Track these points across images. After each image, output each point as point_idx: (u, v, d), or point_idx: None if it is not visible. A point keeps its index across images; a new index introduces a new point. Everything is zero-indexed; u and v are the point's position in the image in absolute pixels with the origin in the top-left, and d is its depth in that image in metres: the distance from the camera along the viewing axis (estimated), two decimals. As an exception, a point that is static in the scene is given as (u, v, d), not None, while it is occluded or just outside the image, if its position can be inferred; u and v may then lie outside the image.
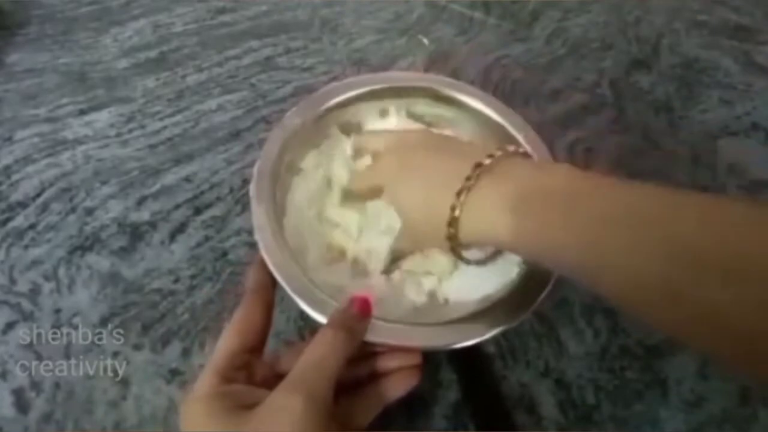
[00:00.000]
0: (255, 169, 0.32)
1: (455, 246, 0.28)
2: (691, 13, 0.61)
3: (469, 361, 0.35)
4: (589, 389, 0.35)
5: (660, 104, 0.53)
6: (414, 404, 0.30)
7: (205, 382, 0.25)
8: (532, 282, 0.29)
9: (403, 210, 0.31)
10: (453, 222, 0.27)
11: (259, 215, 0.30)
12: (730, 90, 0.54)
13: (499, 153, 0.28)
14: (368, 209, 0.33)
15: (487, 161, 0.27)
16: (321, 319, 0.27)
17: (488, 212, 0.26)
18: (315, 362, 0.24)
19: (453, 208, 0.27)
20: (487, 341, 0.29)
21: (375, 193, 0.32)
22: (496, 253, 0.32)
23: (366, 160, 0.34)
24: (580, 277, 0.24)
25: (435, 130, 0.38)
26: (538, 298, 0.29)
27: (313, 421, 0.22)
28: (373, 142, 0.35)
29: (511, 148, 0.28)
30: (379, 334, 0.27)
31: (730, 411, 0.34)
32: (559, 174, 0.26)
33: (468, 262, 0.31)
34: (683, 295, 0.20)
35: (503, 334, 0.28)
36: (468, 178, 0.27)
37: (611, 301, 0.23)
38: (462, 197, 0.27)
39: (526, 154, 0.29)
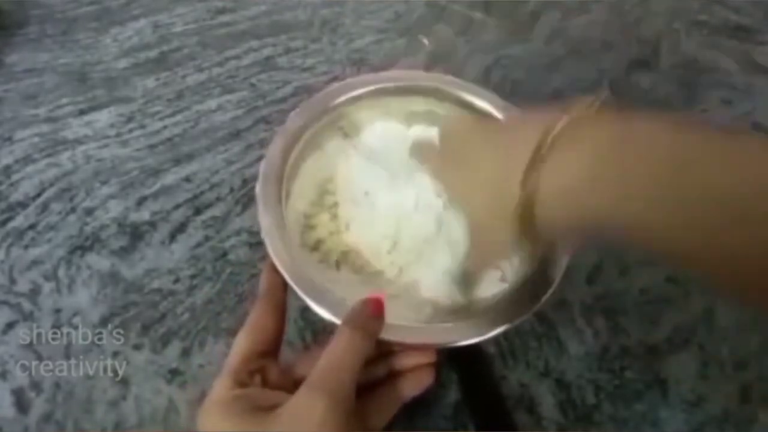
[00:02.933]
0: (260, 173, 0.32)
1: (527, 231, 0.25)
2: (691, 13, 0.61)
3: (469, 361, 0.35)
4: (589, 389, 0.35)
5: (660, 104, 0.52)
6: (414, 404, 0.30)
7: (220, 386, 0.25)
8: (534, 282, 0.29)
9: (465, 211, 0.28)
10: (527, 199, 0.23)
11: (266, 219, 0.30)
12: (730, 90, 0.54)
13: (572, 115, 0.23)
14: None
15: (557, 129, 0.23)
16: (333, 319, 0.27)
17: (572, 173, 0.22)
18: (335, 362, 0.24)
19: (526, 177, 0.23)
20: (487, 341, 0.29)
21: None
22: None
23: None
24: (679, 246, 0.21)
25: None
26: (541, 298, 0.29)
27: (338, 422, 0.22)
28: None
29: (578, 108, 0.24)
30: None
31: (730, 411, 0.34)
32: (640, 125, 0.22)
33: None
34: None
35: (503, 334, 0.28)
36: (538, 149, 0.23)
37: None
38: (535, 168, 0.23)
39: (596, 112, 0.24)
